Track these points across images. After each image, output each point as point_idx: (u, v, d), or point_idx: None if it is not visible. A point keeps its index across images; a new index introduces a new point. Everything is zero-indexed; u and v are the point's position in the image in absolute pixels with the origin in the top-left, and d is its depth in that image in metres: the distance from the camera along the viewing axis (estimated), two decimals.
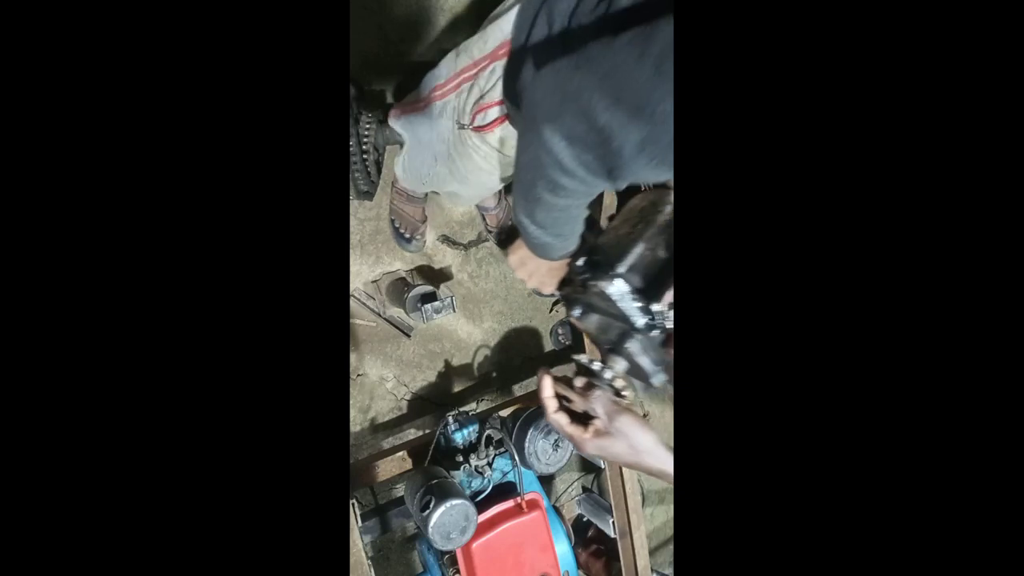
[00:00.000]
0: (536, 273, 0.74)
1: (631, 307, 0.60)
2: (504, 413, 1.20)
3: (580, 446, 0.63)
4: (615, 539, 1.48)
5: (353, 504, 1.05)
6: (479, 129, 0.76)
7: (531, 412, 1.07)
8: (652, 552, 1.54)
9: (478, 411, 1.19)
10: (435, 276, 1.45)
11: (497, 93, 0.72)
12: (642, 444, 0.60)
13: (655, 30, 0.40)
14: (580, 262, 0.64)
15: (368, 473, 1.12)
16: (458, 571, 1.08)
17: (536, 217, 0.58)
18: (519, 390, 1.48)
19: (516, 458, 1.05)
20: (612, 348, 0.65)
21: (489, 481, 1.10)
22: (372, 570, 1.07)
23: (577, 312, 0.69)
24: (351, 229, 1.31)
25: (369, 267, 1.38)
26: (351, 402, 1.42)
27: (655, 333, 0.61)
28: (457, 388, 1.55)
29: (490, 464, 1.09)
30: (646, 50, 0.40)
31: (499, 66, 0.71)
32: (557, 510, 1.34)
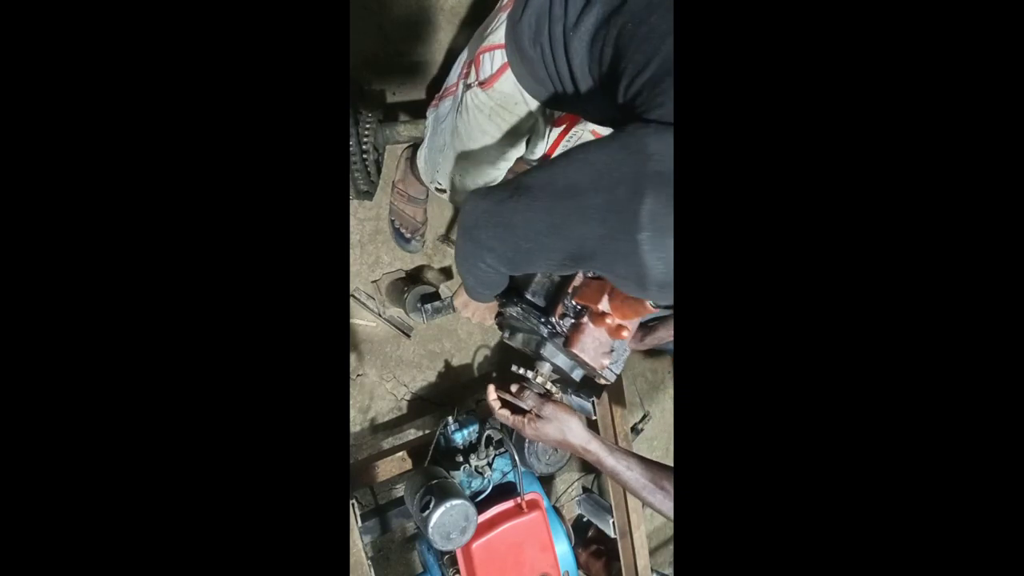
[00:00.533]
0: (477, 311, 0.98)
1: (534, 322, 0.77)
2: None
3: (520, 431, 0.82)
4: (615, 539, 1.47)
5: (353, 504, 1.05)
6: (484, 85, 0.79)
7: None
8: (652, 552, 1.54)
9: (478, 411, 1.19)
10: (435, 276, 1.45)
11: (501, 35, 0.76)
12: (566, 425, 0.78)
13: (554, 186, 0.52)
14: (500, 295, 0.81)
15: (368, 473, 1.12)
16: (458, 571, 1.08)
17: (469, 280, 0.74)
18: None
19: (516, 458, 1.05)
20: (535, 356, 0.82)
21: (489, 481, 1.10)
22: (372, 570, 1.07)
23: (506, 334, 0.88)
24: (351, 229, 1.31)
25: (369, 267, 1.37)
26: (351, 402, 1.42)
27: (558, 339, 0.77)
28: (457, 388, 1.55)
29: (490, 464, 1.09)
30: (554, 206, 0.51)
31: (505, 15, 0.75)
32: (557, 510, 1.34)
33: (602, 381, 0.83)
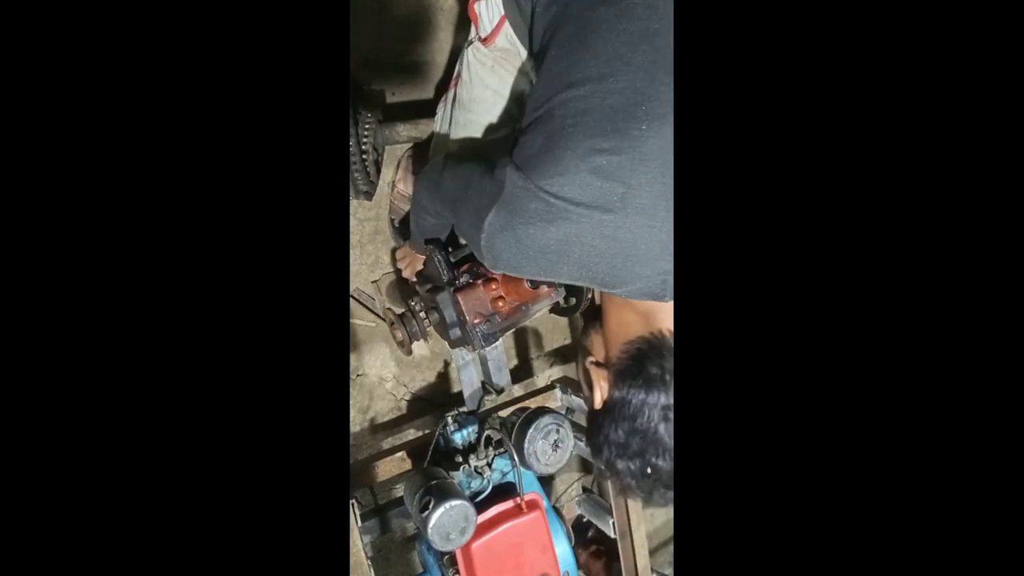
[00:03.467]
0: (410, 264, 1.10)
1: (443, 270, 0.93)
2: (504, 413, 1.20)
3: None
4: (615, 539, 1.47)
5: (353, 504, 1.05)
6: (486, 41, 0.87)
7: (531, 412, 1.07)
8: (652, 552, 1.54)
9: (478, 411, 1.19)
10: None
11: None
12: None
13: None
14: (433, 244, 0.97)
15: (368, 473, 1.12)
16: (458, 571, 1.08)
17: (414, 227, 0.94)
18: (519, 390, 1.48)
19: (516, 458, 1.04)
20: (429, 301, 0.98)
21: (489, 482, 1.10)
22: (372, 570, 1.07)
23: (420, 282, 1.05)
24: (351, 229, 1.31)
25: (369, 267, 1.37)
26: (351, 402, 1.42)
27: (453, 290, 0.91)
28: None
29: (490, 464, 1.09)
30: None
31: None
32: (557, 510, 1.34)
33: (469, 348, 1.00)
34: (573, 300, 1.07)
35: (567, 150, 0.58)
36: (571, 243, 0.58)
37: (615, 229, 0.57)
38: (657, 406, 0.62)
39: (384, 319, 1.04)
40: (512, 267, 0.64)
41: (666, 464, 0.61)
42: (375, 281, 1.39)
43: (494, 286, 0.90)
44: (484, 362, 1.12)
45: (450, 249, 0.96)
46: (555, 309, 1.09)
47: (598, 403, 0.68)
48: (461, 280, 0.93)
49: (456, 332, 0.96)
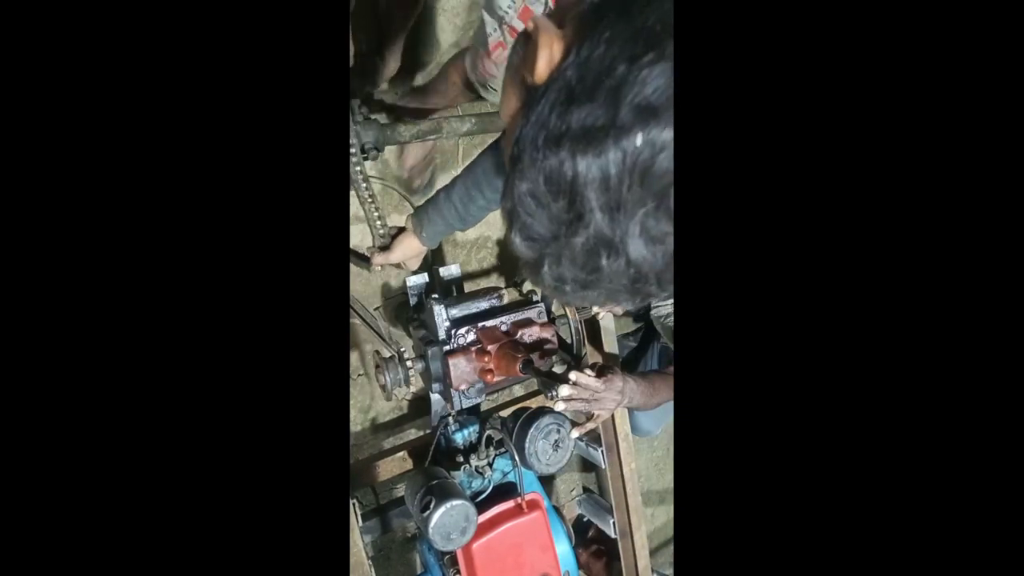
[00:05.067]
0: (410, 257, 1.06)
1: (438, 324, 0.91)
2: (504, 413, 1.20)
3: (595, 409, 1.00)
4: (616, 539, 1.47)
5: (354, 504, 1.05)
6: (492, 51, 0.92)
7: (531, 412, 1.07)
8: (653, 552, 1.54)
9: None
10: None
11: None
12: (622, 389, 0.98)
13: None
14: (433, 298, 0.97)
15: (369, 473, 1.12)
16: (459, 571, 1.08)
17: (435, 215, 0.98)
18: (520, 390, 1.48)
19: (516, 458, 1.05)
20: (418, 351, 1.00)
21: (489, 481, 1.10)
22: (373, 570, 1.07)
23: (414, 318, 1.07)
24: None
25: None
26: (351, 402, 1.42)
27: (445, 347, 0.92)
28: None
29: (490, 464, 1.09)
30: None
31: None
32: (558, 510, 1.34)
33: (449, 407, 0.99)
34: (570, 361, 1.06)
35: None
36: None
37: None
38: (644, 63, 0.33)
39: (384, 338, 1.03)
40: None
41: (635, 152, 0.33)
42: (377, 308, 1.39)
43: (486, 358, 0.90)
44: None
45: (447, 305, 0.95)
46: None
47: (543, 71, 0.38)
48: (456, 343, 0.93)
49: (438, 387, 0.97)
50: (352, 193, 0.96)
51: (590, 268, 0.37)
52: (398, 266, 1.08)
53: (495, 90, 1.09)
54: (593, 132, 0.34)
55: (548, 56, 0.38)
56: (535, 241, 0.38)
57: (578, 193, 0.35)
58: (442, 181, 1.17)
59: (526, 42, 0.41)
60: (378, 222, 1.00)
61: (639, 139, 0.33)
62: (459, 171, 0.94)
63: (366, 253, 1.07)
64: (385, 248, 1.04)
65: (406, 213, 1.05)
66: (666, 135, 0.33)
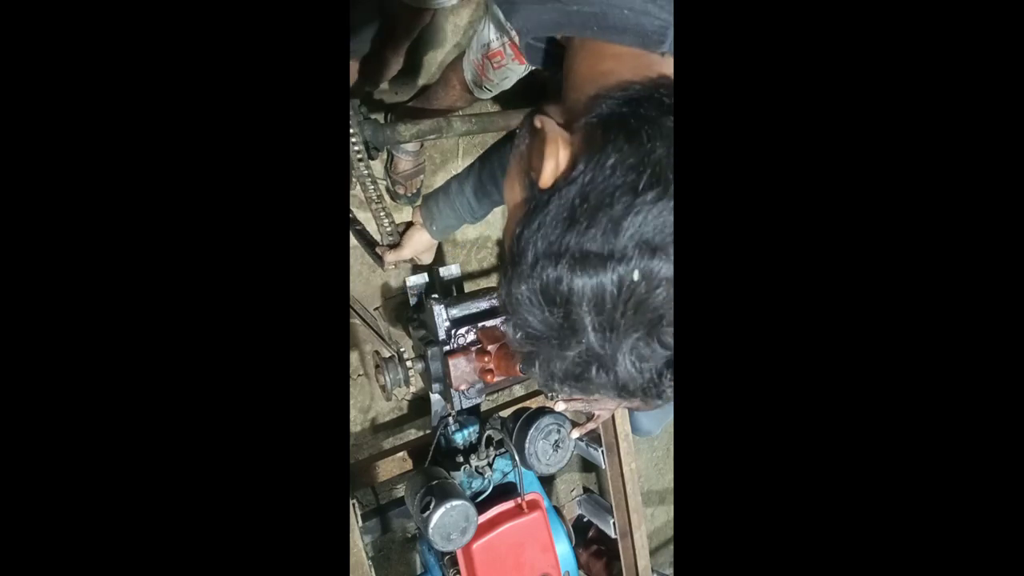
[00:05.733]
0: (422, 249, 1.02)
1: (439, 324, 0.91)
2: (504, 413, 1.20)
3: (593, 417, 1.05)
4: (616, 539, 1.47)
5: (354, 504, 1.05)
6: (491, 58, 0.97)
7: (531, 412, 1.07)
8: (653, 552, 1.54)
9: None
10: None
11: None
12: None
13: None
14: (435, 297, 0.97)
15: (368, 473, 1.12)
16: (459, 572, 1.08)
17: (444, 205, 0.94)
18: (520, 390, 1.48)
19: (516, 458, 1.05)
20: (419, 351, 1.00)
21: (489, 482, 1.10)
22: (373, 570, 1.07)
23: (415, 318, 1.06)
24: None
25: (369, 267, 1.38)
26: (351, 402, 1.42)
27: (444, 348, 0.91)
28: None
29: (490, 464, 1.09)
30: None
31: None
32: (558, 510, 1.34)
33: (449, 407, 0.99)
34: None
35: None
36: None
37: None
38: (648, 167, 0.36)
39: (383, 338, 1.03)
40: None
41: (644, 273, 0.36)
42: (377, 308, 1.39)
43: (487, 358, 0.89)
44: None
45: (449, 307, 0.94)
46: None
47: (547, 178, 0.40)
48: (456, 343, 0.93)
49: (438, 387, 0.97)
50: (355, 192, 0.95)
51: (579, 376, 0.39)
52: (411, 261, 1.06)
53: (488, 91, 1.12)
54: (592, 256, 0.35)
55: (554, 165, 0.40)
56: (530, 337, 0.40)
57: (573, 308, 0.37)
58: (438, 182, 1.16)
59: (532, 133, 0.43)
60: (385, 220, 0.98)
61: (636, 274, 0.35)
62: (459, 171, 0.94)
63: (377, 252, 1.05)
64: (395, 246, 1.01)
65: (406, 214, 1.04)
66: (664, 271, 0.35)
